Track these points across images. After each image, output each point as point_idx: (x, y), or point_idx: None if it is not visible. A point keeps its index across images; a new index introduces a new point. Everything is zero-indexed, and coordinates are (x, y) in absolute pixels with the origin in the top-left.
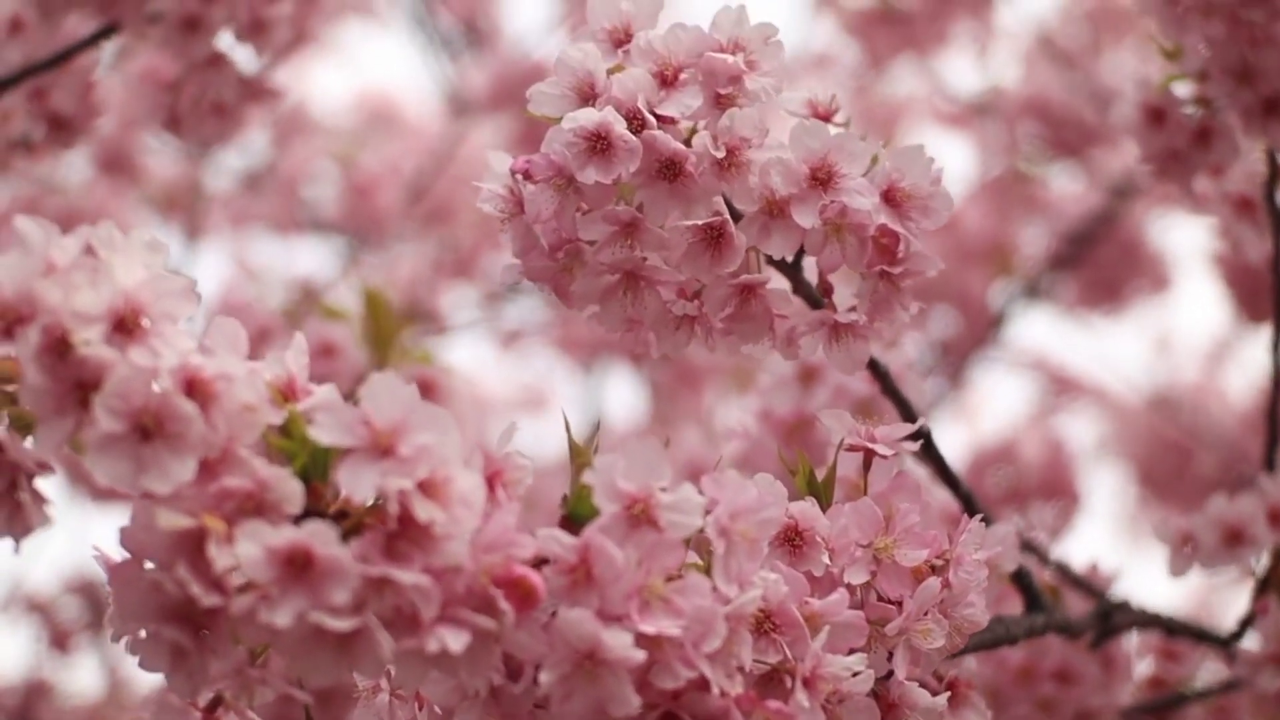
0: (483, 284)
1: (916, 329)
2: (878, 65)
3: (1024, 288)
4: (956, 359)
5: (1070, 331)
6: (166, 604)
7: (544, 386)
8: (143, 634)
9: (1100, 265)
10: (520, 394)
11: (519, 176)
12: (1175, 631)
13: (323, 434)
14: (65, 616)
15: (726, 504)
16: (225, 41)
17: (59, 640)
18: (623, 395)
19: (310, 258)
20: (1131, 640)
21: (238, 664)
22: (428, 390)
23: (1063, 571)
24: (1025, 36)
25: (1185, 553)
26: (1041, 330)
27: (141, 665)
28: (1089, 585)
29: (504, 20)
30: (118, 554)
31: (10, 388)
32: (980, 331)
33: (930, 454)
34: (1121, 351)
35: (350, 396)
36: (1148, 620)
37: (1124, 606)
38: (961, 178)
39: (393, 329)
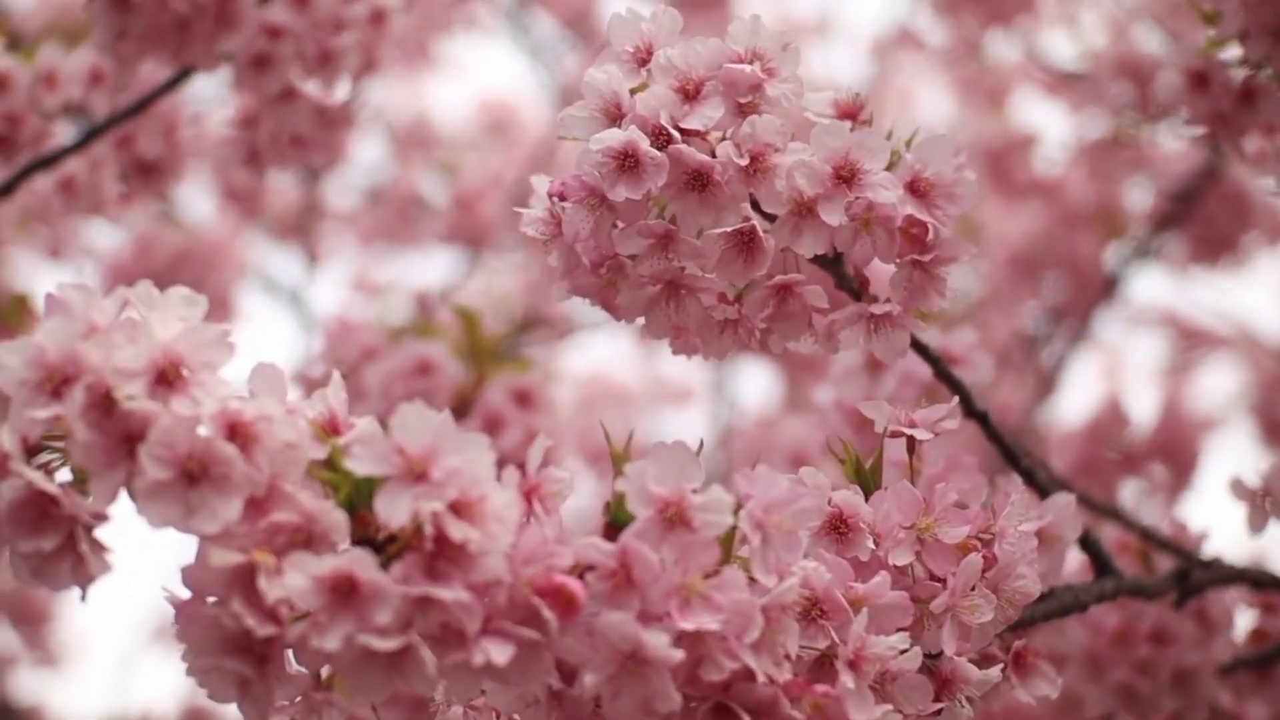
0: None
1: (1031, 298)
2: (970, 41)
3: (1135, 249)
4: (1077, 323)
5: (1194, 290)
6: (227, 637)
7: (683, 379)
8: (209, 666)
9: (1208, 220)
10: (660, 388)
11: (555, 198)
12: (1262, 585)
13: (359, 465)
14: None
15: (759, 498)
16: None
17: None
18: (757, 383)
19: (433, 270)
20: (1229, 596)
21: (303, 689)
22: (524, 399)
23: (1147, 535)
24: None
25: (1262, 507)
26: (1162, 290)
27: (211, 697)
28: (1176, 547)
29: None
30: (183, 592)
31: (62, 444)
32: (1094, 296)
33: (988, 431)
34: (1250, 305)
35: (455, 412)
36: (1230, 576)
37: (1204, 564)
38: (1063, 144)
39: (488, 342)
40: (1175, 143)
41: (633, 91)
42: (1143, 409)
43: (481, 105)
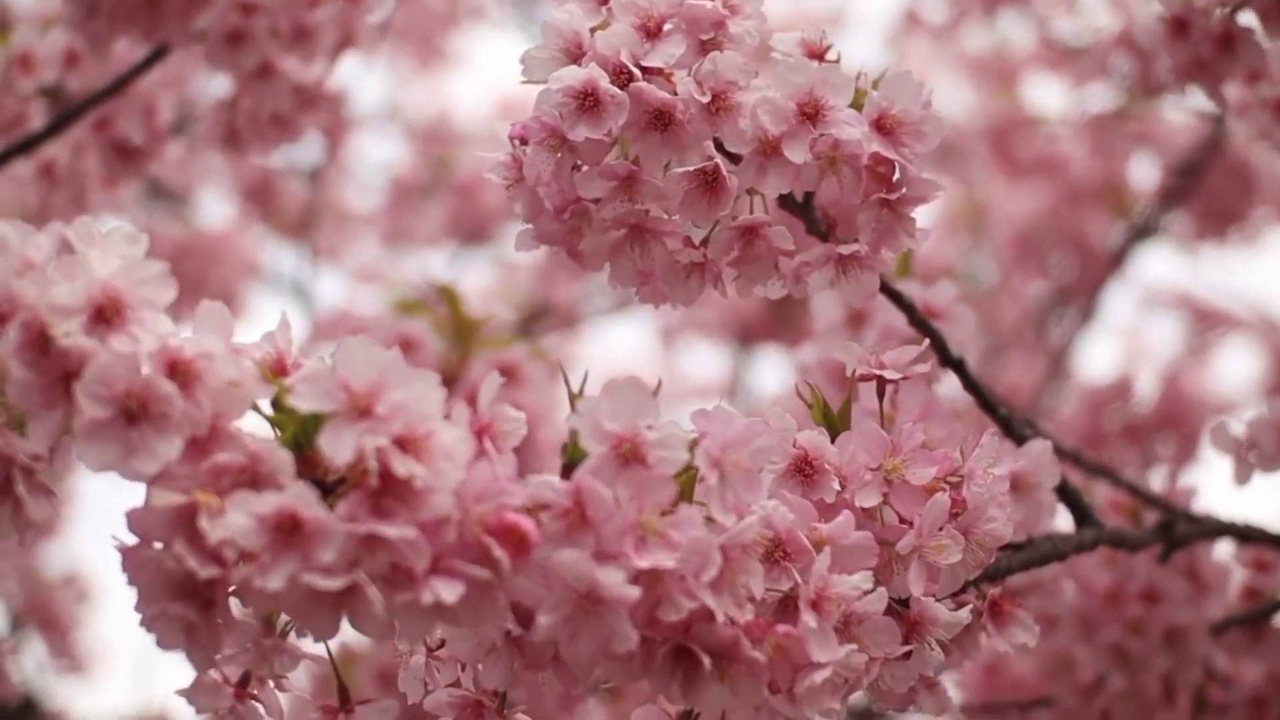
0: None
1: (1037, 274)
2: (969, 18)
3: (1141, 225)
4: (1085, 302)
5: (1207, 270)
6: (171, 581)
7: (701, 372)
8: (156, 613)
9: (1213, 194)
10: (677, 381)
11: (517, 142)
12: (1249, 539)
13: (303, 402)
14: None
15: (715, 436)
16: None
17: None
18: (774, 371)
19: (439, 264)
20: (1221, 552)
21: (253, 636)
22: (508, 375)
23: (1136, 491)
24: None
25: (1248, 460)
26: (1174, 271)
27: (158, 644)
28: (1164, 503)
29: None
30: (130, 538)
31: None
32: (1100, 272)
33: (966, 380)
34: (1266, 286)
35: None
36: (1215, 529)
37: (1188, 517)
38: (1067, 121)
39: (472, 321)
40: (1179, 116)
41: (593, 30)
42: (1151, 386)
43: (502, 102)
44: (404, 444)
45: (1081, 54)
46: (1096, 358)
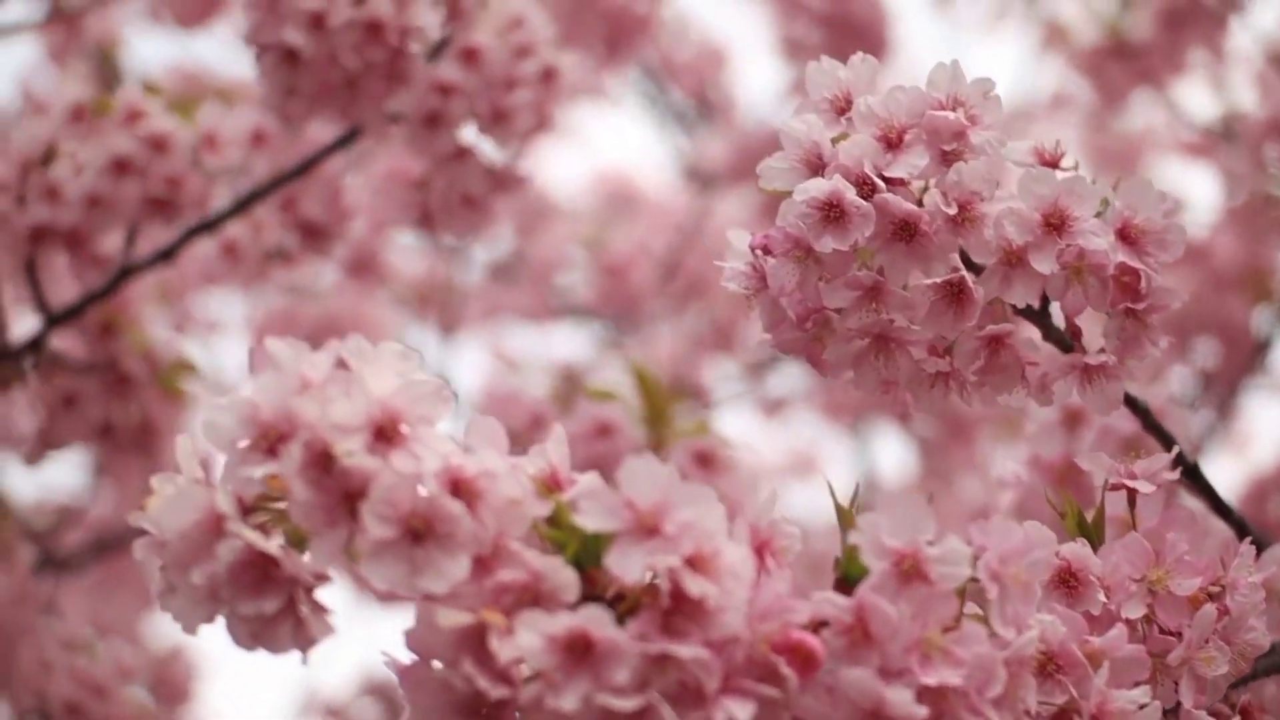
0: (744, 355)
1: (1179, 362)
2: (1112, 101)
3: None
4: (1224, 390)
5: None
6: (457, 700)
7: (810, 450)
8: None
9: None
10: (787, 459)
11: (759, 252)
12: None
13: (589, 520)
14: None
15: (995, 549)
16: (468, 134)
17: None
18: (891, 453)
19: (566, 343)
20: None
21: None
22: (705, 463)
23: None
24: (1260, 58)
25: None
26: None
27: None
28: None
29: (735, 90)
30: (405, 656)
31: (279, 504)
32: (1245, 360)
33: (1199, 484)
34: None
35: None
36: None
37: None
38: (1209, 207)
39: (665, 405)
40: None
41: (833, 141)
42: None
43: (600, 177)
44: (693, 563)
45: (1223, 138)
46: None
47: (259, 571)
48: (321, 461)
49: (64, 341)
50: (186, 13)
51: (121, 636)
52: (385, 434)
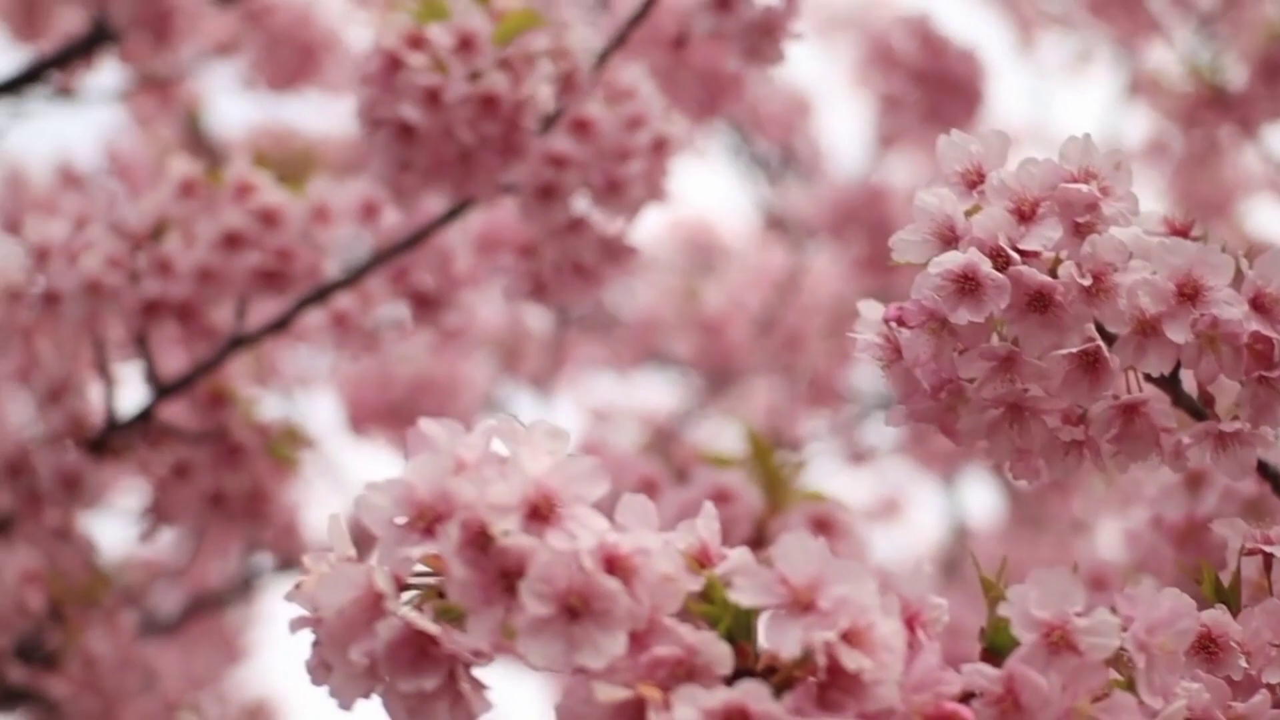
0: (839, 407)
1: None
2: (1208, 148)
3: None
4: None
5: None
6: None
7: (896, 495)
8: None
9: None
10: (874, 504)
11: (893, 324)
12: None
13: (744, 596)
14: None
15: (1142, 620)
16: (581, 205)
17: None
18: (981, 500)
19: (655, 395)
20: None
21: None
22: (825, 528)
23: None
24: None
25: None
26: None
27: None
28: None
29: (821, 140)
30: None
31: (433, 580)
32: None
33: None
34: None
35: (751, 541)
36: None
37: None
38: None
39: (780, 469)
40: None
41: (966, 214)
42: None
43: (676, 225)
44: (849, 637)
45: None
46: None
47: (417, 649)
48: (479, 541)
49: (171, 412)
50: (279, 77)
51: (208, 691)
52: (540, 513)
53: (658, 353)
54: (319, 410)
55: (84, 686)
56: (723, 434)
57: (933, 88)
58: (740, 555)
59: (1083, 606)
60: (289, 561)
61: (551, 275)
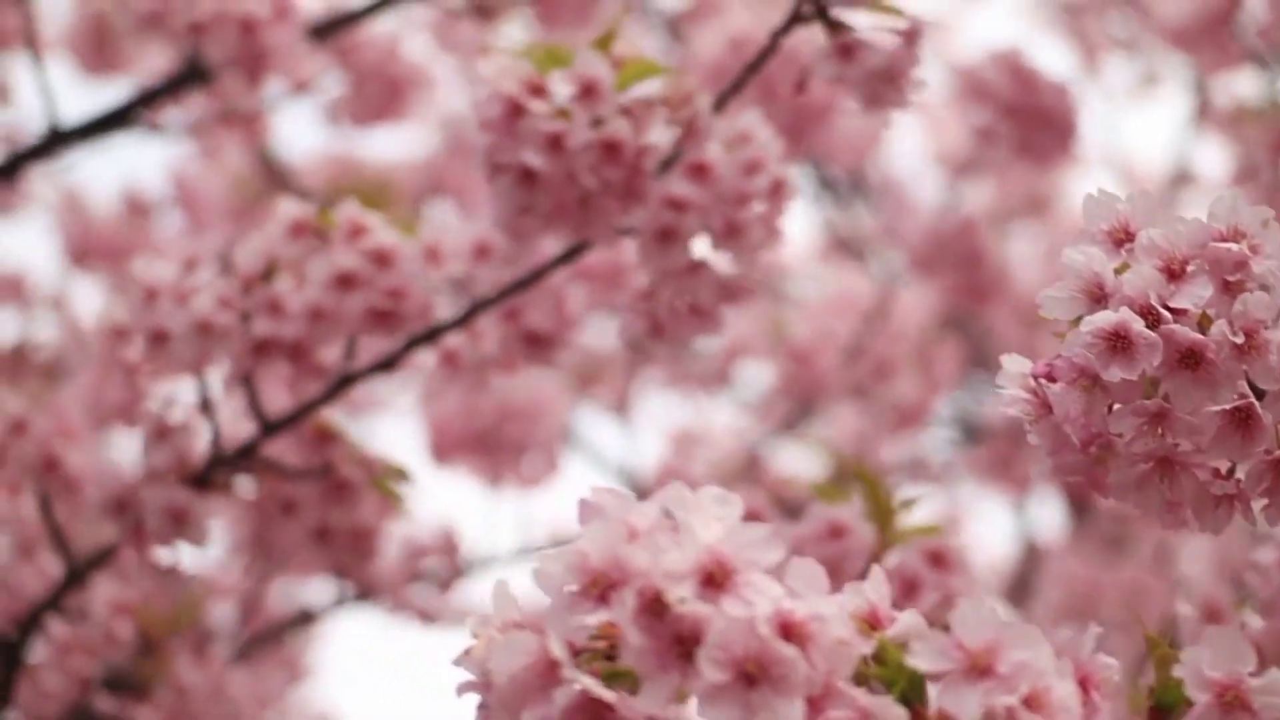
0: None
1: None
2: None
3: None
4: None
5: None
6: None
7: (959, 512)
8: None
9: None
10: (936, 520)
11: (1043, 380)
12: None
13: (921, 661)
14: None
15: None
16: (700, 248)
17: None
18: (1047, 519)
19: (733, 421)
20: None
21: None
22: (938, 562)
23: None
24: None
25: None
26: None
27: None
28: None
29: (891, 167)
30: None
31: (600, 644)
32: None
33: None
34: None
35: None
36: None
37: None
38: None
39: (890, 503)
40: None
41: (1115, 272)
42: None
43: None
44: (1029, 701)
45: None
46: None
47: (591, 714)
48: (654, 608)
49: (275, 448)
50: (365, 113)
51: (273, 710)
52: (715, 580)
53: (738, 379)
54: (386, 434)
55: (174, 716)
56: (805, 460)
57: (1025, 121)
58: (910, 618)
59: (1254, 666)
60: (366, 590)
61: (668, 316)
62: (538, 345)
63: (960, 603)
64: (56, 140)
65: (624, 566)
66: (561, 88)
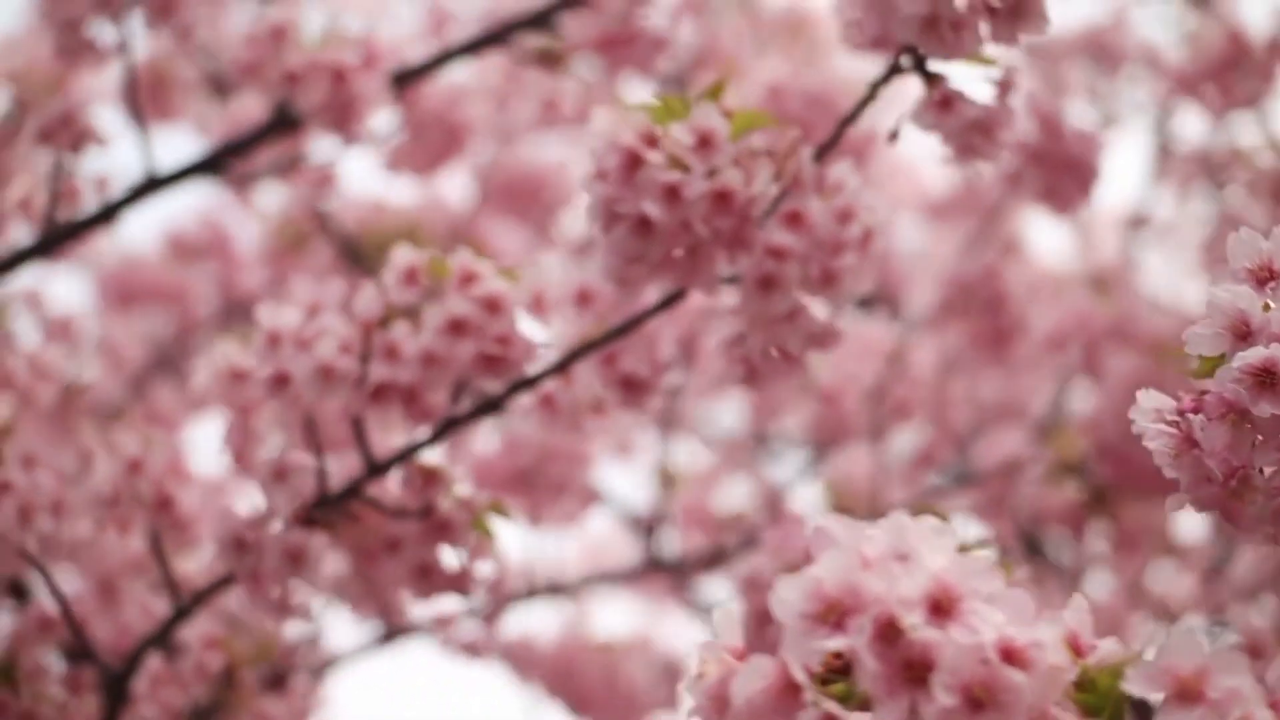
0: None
1: None
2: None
3: None
4: None
5: None
6: None
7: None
8: None
9: None
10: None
11: (1188, 414)
12: None
13: (1135, 687)
14: None
15: None
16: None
17: None
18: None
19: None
20: None
21: None
22: None
23: None
24: None
25: None
26: None
27: None
28: None
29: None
30: None
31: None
32: None
33: None
34: None
35: None
36: None
37: None
38: None
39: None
40: None
41: (1263, 309)
42: None
43: None
44: None
45: None
46: None
47: None
48: (887, 634)
49: (376, 488)
50: (425, 160)
51: None
52: (942, 607)
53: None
54: None
55: None
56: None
57: (1050, 167)
58: (1109, 645)
59: None
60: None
61: (761, 361)
62: (633, 390)
63: (1170, 631)
64: (152, 187)
65: (859, 594)
66: (684, 138)
